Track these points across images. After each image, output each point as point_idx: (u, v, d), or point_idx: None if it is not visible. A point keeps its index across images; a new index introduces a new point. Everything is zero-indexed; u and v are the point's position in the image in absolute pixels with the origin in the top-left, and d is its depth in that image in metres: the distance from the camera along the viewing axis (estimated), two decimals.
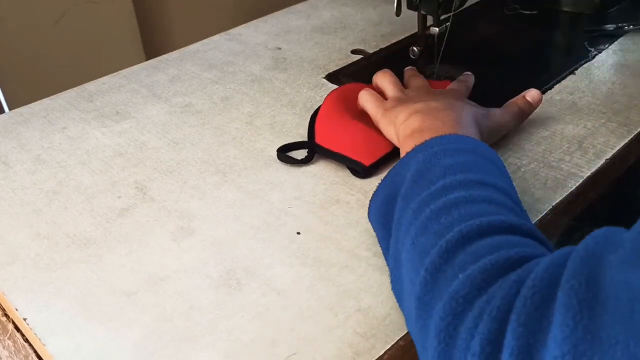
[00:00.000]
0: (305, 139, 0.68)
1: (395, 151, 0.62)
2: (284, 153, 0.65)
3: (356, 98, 0.68)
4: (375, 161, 0.62)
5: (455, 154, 0.49)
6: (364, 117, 0.66)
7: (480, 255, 0.38)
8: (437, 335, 0.36)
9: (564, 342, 0.29)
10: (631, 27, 0.85)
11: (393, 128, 0.60)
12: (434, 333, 0.37)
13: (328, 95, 0.71)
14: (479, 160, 0.49)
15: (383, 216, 0.50)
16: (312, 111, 0.72)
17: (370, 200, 0.53)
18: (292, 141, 0.67)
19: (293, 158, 0.64)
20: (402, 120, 0.58)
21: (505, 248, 0.38)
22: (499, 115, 0.62)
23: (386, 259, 0.49)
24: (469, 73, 0.71)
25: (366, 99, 0.66)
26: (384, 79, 0.69)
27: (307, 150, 0.65)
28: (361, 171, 0.61)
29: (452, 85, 0.69)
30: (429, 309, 0.38)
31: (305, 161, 0.64)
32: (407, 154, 0.51)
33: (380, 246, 0.51)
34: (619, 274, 0.30)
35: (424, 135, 0.53)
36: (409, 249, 0.43)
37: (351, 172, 0.62)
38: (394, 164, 0.53)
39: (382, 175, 0.59)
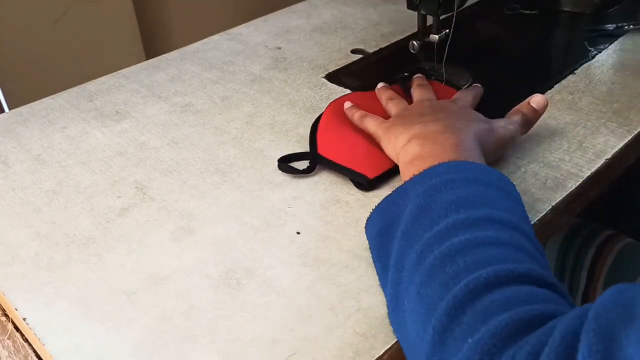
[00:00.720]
0: (306, 139, 0.67)
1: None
2: (285, 163, 0.64)
3: (361, 105, 0.68)
4: (379, 174, 0.61)
5: (456, 186, 0.47)
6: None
7: (490, 315, 0.36)
8: None
9: None
10: (631, 27, 0.85)
11: (392, 149, 0.59)
12: None
13: (329, 105, 0.70)
14: (481, 190, 0.47)
15: (378, 248, 0.49)
16: (312, 111, 0.72)
17: (366, 224, 0.52)
18: (292, 141, 0.67)
19: (295, 168, 0.63)
20: (402, 144, 0.57)
21: (515, 305, 0.37)
22: (503, 128, 0.59)
23: (382, 285, 0.48)
24: (478, 85, 0.70)
25: (365, 121, 0.65)
26: (382, 96, 0.69)
27: (308, 160, 0.64)
28: (365, 184, 0.60)
29: (459, 95, 0.67)
30: None
31: (307, 172, 0.62)
32: (405, 183, 0.50)
33: (377, 273, 0.49)
34: (636, 353, 0.29)
35: (424, 163, 0.51)
36: (414, 298, 0.41)
37: (354, 184, 0.61)
38: (392, 189, 0.52)
39: (385, 188, 0.59)
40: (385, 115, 0.67)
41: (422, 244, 0.43)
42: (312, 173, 0.62)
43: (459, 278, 0.39)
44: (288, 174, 0.63)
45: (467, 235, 0.42)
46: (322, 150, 0.64)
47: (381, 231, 0.49)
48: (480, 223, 0.43)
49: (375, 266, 0.49)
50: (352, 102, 0.69)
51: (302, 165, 0.63)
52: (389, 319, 0.45)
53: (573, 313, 0.33)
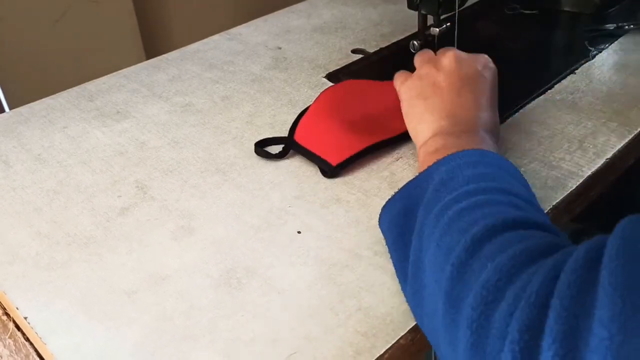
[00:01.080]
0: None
1: (365, 151, 0.63)
2: (261, 147, 0.66)
3: (350, 94, 0.69)
4: (343, 161, 0.62)
5: (479, 165, 0.49)
6: (348, 116, 0.66)
7: (509, 245, 0.38)
8: (469, 325, 0.35)
9: (612, 322, 0.28)
10: (631, 26, 0.85)
11: (412, 128, 0.61)
12: (465, 324, 0.36)
13: (324, 90, 0.71)
14: (502, 174, 0.49)
15: (399, 227, 0.49)
16: None
17: (384, 208, 0.52)
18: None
19: (268, 152, 0.65)
20: (426, 136, 0.58)
21: (533, 238, 0.38)
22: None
23: (397, 270, 0.48)
24: (486, 57, 0.65)
25: (396, 77, 0.66)
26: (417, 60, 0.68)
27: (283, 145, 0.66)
28: (328, 171, 0.61)
29: (483, 72, 0.62)
30: (458, 302, 0.38)
31: (279, 156, 0.64)
32: (430, 167, 0.51)
33: (391, 257, 0.50)
34: None
35: (448, 152, 0.52)
36: (434, 251, 0.42)
37: (321, 172, 0.62)
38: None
39: (348, 175, 0.61)
40: (380, 106, 0.68)
41: (441, 205, 0.45)
42: (312, 172, 0.62)
43: (477, 223, 0.41)
44: (288, 174, 0.62)
45: (486, 196, 0.44)
46: (298, 136, 0.66)
47: (404, 212, 0.50)
48: (499, 192, 0.45)
49: (390, 249, 0.50)
50: (344, 89, 0.71)
51: (278, 149, 0.66)
52: (406, 294, 0.46)
53: (595, 238, 0.34)
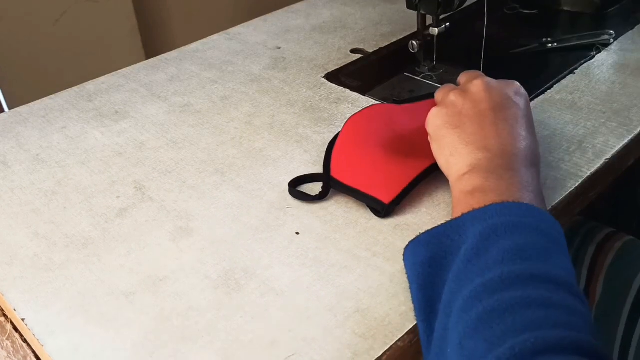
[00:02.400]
0: (305, 138, 0.67)
1: (415, 181, 0.58)
2: (295, 188, 0.60)
3: (376, 121, 0.63)
4: (395, 197, 0.56)
5: (516, 231, 0.44)
6: (382, 145, 0.61)
7: None
8: None
9: None
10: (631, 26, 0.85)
11: (444, 162, 0.55)
12: None
13: (347, 121, 0.65)
14: (540, 242, 0.44)
15: (423, 277, 0.46)
16: (312, 111, 0.72)
17: (407, 249, 0.49)
18: (291, 141, 0.67)
19: (306, 194, 0.59)
20: (461, 171, 0.52)
21: None
22: None
23: (418, 317, 0.45)
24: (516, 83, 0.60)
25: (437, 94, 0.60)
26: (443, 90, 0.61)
27: (322, 184, 0.60)
28: (381, 210, 0.56)
29: (515, 99, 0.56)
30: None
31: (320, 198, 0.58)
32: (464, 216, 0.47)
33: (414, 303, 0.46)
34: None
35: (487, 197, 0.48)
36: (456, 349, 0.40)
37: (371, 210, 0.57)
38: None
39: (404, 211, 0.57)
40: (412, 129, 0.62)
41: (471, 290, 0.41)
42: (307, 172, 0.62)
43: (505, 338, 0.37)
44: (287, 175, 0.62)
45: (519, 292, 0.40)
46: (335, 172, 0.60)
47: (430, 262, 0.46)
48: (534, 280, 0.41)
49: (413, 295, 0.46)
50: (370, 116, 0.65)
51: (313, 188, 0.60)
52: (426, 356, 0.44)
53: None
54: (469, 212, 0.47)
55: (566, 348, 0.36)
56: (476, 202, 0.48)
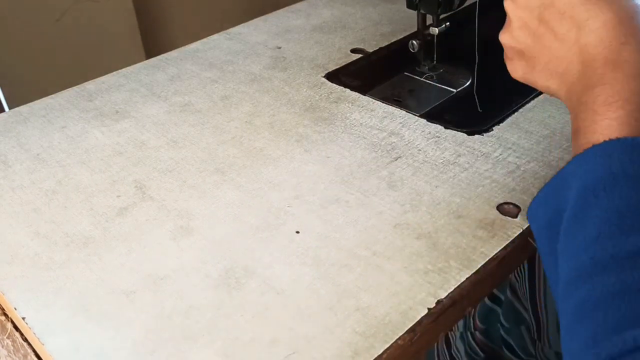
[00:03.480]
0: (305, 138, 0.67)
1: None
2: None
3: None
4: None
5: (616, 188, 0.36)
6: None
7: None
8: None
9: None
10: None
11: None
12: None
13: None
14: None
15: (546, 244, 0.41)
16: (312, 110, 0.72)
17: (530, 212, 0.44)
18: (291, 140, 0.67)
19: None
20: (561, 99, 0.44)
21: None
22: None
23: (553, 294, 0.41)
24: None
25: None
26: None
27: None
28: None
29: None
30: None
31: None
32: (564, 169, 0.41)
33: (542, 259, 0.42)
34: None
35: (581, 138, 0.40)
36: (566, 330, 0.36)
37: None
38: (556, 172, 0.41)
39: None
40: None
41: (567, 274, 0.37)
42: (311, 172, 0.62)
43: (595, 342, 0.33)
44: (287, 174, 0.62)
45: (613, 278, 0.34)
46: None
47: (550, 221, 0.41)
48: (632, 258, 0.34)
49: (543, 260, 0.42)
50: None
51: None
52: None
53: None
54: (568, 164, 0.40)
55: None
56: (574, 147, 0.41)
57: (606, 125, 0.40)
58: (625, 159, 0.37)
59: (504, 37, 0.49)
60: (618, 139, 0.38)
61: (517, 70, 0.50)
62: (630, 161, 0.37)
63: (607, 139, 0.39)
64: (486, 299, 0.88)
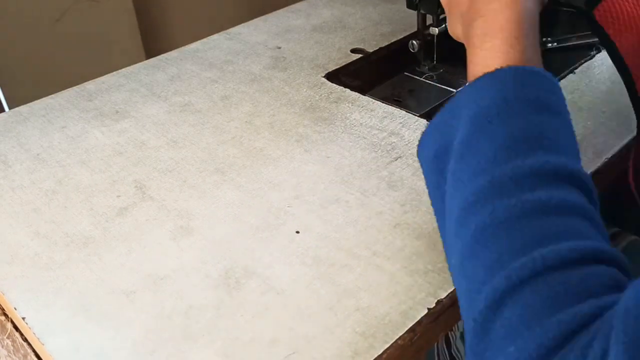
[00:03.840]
0: (305, 138, 0.67)
1: None
2: None
3: None
4: None
5: (510, 114, 0.37)
6: None
7: (534, 316, 0.31)
8: None
9: None
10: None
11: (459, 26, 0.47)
12: None
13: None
14: (537, 120, 0.37)
15: (432, 175, 0.41)
16: (312, 110, 0.72)
17: (419, 145, 0.44)
18: (291, 140, 0.67)
19: None
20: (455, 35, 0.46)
21: (562, 304, 0.31)
22: None
23: (437, 223, 0.42)
24: None
25: None
26: None
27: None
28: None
29: None
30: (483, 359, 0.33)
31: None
32: (456, 97, 0.41)
33: (429, 193, 0.42)
34: None
35: (473, 67, 0.41)
36: (457, 268, 0.37)
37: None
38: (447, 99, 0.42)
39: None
40: None
41: (464, 200, 0.37)
42: (311, 172, 0.62)
43: (502, 263, 0.33)
44: (287, 174, 0.62)
45: (513, 200, 0.34)
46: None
47: (436, 156, 0.41)
48: (531, 178, 0.35)
49: (430, 195, 0.42)
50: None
51: None
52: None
53: (611, 314, 0.30)
54: (462, 89, 0.41)
55: (570, 263, 0.32)
56: (472, 71, 0.41)
57: (482, 56, 0.41)
58: (517, 85, 0.38)
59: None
60: (509, 67, 0.39)
61: (456, 24, 0.50)
62: (521, 86, 0.38)
63: (486, 70, 0.40)
64: None
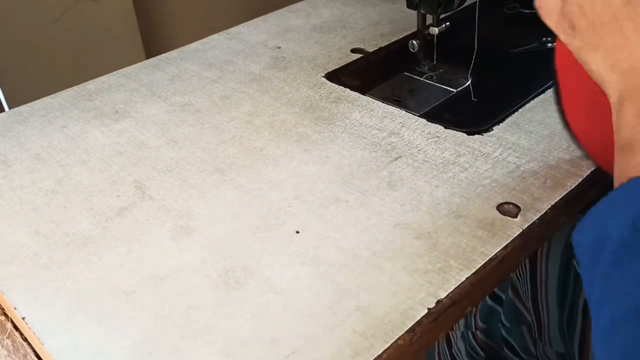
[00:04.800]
0: (305, 137, 0.67)
1: None
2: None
3: None
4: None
5: None
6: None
7: None
8: None
9: None
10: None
11: (597, 75, 0.40)
12: None
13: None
14: None
15: (590, 264, 0.37)
16: (312, 110, 0.72)
17: (574, 233, 0.40)
18: (291, 140, 0.67)
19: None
20: (612, 99, 0.38)
21: None
22: None
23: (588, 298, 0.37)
24: None
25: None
26: None
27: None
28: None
29: None
30: None
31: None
32: (613, 193, 0.36)
33: (582, 278, 0.38)
34: None
35: (634, 162, 0.35)
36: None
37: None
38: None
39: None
40: None
41: (616, 311, 0.33)
42: (311, 172, 0.62)
43: None
44: (287, 174, 0.62)
45: None
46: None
47: (593, 245, 0.37)
48: None
49: (584, 280, 0.38)
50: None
51: None
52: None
53: None
54: (615, 191, 0.36)
55: None
56: (623, 169, 0.36)
57: None
58: None
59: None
60: None
61: (572, 40, 0.43)
62: None
63: None
64: (487, 299, 0.88)
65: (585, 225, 0.39)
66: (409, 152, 0.64)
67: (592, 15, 0.40)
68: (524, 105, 0.70)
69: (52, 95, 0.81)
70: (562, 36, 0.42)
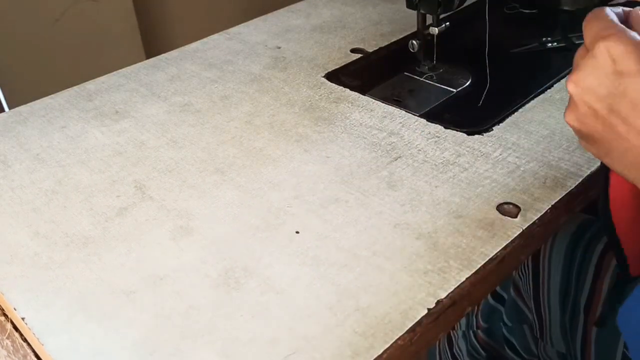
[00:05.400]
0: (305, 137, 0.67)
1: None
2: None
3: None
4: None
5: None
6: None
7: None
8: None
9: None
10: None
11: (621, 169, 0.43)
12: None
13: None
14: None
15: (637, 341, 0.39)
16: (311, 110, 0.72)
17: (622, 308, 0.42)
18: (291, 140, 0.67)
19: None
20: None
21: None
22: None
23: None
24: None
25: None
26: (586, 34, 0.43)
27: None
28: (623, 274, 0.49)
29: None
30: None
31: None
32: None
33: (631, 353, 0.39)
34: None
35: None
36: None
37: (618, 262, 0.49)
38: None
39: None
40: None
41: None
42: (311, 172, 0.62)
43: None
44: (287, 174, 0.62)
45: None
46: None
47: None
48: None
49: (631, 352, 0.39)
50: None
51: None
52: None
53: None
54: None
55: None
56: None
57: None
58: None
59: (570, 119, 0.46)
60: None
61: (589, 149, 0.47)
62: None
63: None
64: (489, 298, 0.88)
65: (631, 304, 0.40)
66: (409, 152, 0.64)
67: (592, 127, 0.44)
68: (524, 105, 0.70)
69: (52, 95, 0.81)
70: (585, 147, 0.47)
